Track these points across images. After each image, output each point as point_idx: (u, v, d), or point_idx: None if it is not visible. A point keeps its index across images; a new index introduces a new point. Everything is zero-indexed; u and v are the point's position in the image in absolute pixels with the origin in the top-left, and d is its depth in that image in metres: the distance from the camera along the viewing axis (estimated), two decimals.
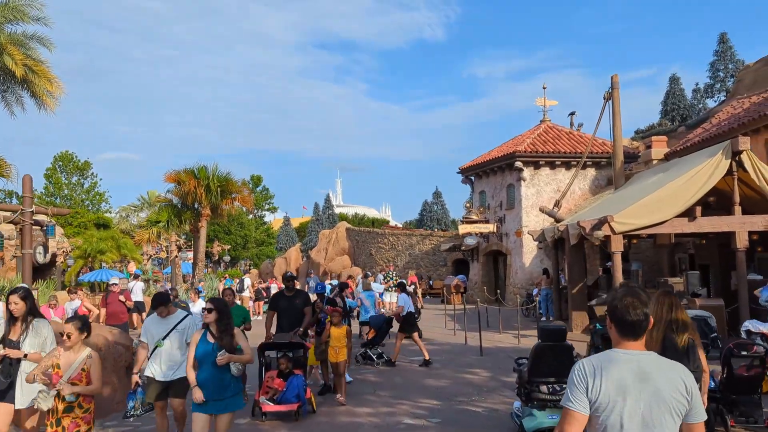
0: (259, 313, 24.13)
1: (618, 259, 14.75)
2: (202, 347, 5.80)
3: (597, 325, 8.79)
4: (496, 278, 30.55)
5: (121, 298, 13.17)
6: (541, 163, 27.47)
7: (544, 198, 27.46)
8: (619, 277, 14.74)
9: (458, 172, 31.56)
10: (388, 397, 9.78)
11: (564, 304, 20.12)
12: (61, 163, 65.32)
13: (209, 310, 5.80)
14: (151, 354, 6.73)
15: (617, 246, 14.62)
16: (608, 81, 20.53)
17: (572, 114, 31.01)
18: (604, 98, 20.81)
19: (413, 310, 13.56)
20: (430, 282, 36.77)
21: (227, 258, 39.73)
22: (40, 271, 35.41)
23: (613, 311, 2.99)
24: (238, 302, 13.36)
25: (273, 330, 9.50)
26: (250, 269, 56.85)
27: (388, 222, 69.43)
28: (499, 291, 26.71)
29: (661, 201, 14.30)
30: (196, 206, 24.95)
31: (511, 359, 13.16)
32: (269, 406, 8.30)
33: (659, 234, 16.19)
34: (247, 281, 24.57)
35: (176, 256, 23.51)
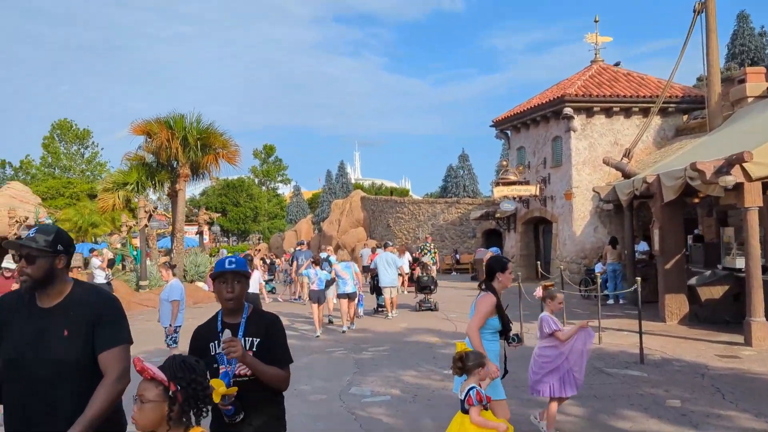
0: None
1: (754, 219, 9.86)
2: None
3: None
4: (537, 251, 25.76)
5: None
6: (595, 109, 22.43)
7: (599, 152, 22.48)
8: (755, 246, 9.86)
9: (491, 125, 26.62)
10: None
11: (643, 283, 15.26)
12: (59, 131, 61.20)
13: None
14: None
15: (753, 198, 9.75)
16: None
17: (617, 64, 25.86)
18: (695, 11, 15.73)
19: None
20: (457, 256, 32.10)
21: (216, 228, 35.15)
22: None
23: None
24: None
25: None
26: (260, 242, 52.64)
27: (407, 192, 64.57)
28: (539, 264, 21.99)
29: None
30: (174, 165, 20.38)
31: (609, 376, 8.43)
32: None
33: None
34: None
35: (146, 226, 19.00)
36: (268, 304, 18.47)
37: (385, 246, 16.53)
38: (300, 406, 7.25)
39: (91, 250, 18.08)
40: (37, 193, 50.16)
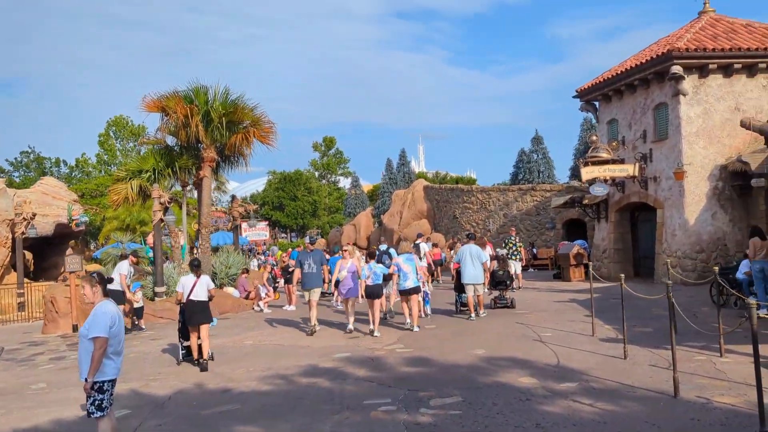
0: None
1: None
2: None
3: None
4: (635, 244, 21.42)
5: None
6: (710, 67, 18.05)
7: (716, 120, 18.15)
8: None
9: (575, 96, 22.42)
10: None
11: None
12: (114, 128, 59.96)
13: None
14: None
15: None
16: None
17: None
18: None
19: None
20: (534, 250, 28.00)
21: (254, 222, 31.95)
22: (55, 246, 29.12)
23: None
24: None
25: None
26: (317, 237, 49.67)
27: (474, 182, 60.26)
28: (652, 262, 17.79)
29: None
30: (200, 147, 17.22)
31: None
32: None
33: None
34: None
35: (161, 220, 15.91)
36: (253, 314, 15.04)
37: (469, 237, 14.26)
38: None
39: (122, 256, 14.87)
40: (87, 191, 48.77)
